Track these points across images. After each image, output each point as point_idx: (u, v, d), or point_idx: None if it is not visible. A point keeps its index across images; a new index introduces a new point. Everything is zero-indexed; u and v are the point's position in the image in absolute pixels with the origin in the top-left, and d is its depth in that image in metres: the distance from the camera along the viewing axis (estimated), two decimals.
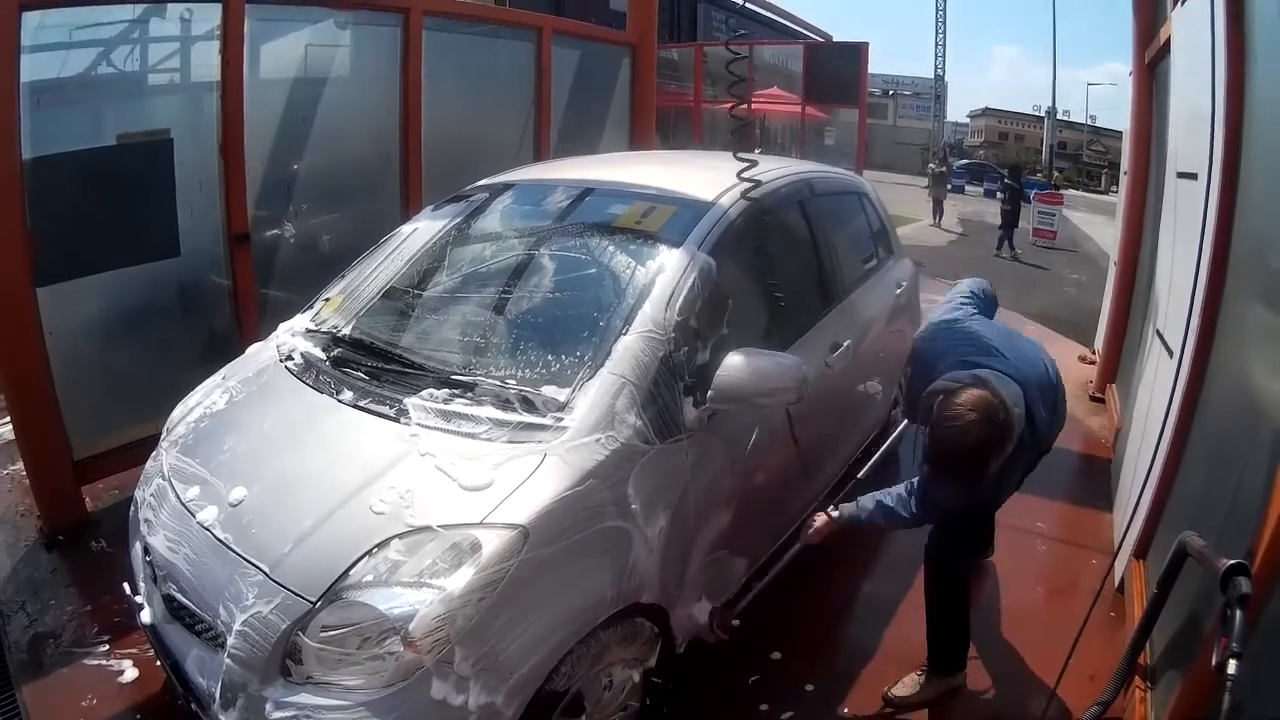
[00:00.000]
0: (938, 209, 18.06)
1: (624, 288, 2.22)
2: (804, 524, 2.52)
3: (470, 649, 1.59)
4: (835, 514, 2.44)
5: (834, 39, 24.05)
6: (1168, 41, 3.89)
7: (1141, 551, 2.90)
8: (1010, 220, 13.72)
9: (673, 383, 2.08)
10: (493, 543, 1.66)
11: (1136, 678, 2.36)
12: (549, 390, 1.97)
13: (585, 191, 2.71)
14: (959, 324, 2.47)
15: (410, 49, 4.22)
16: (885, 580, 3.16)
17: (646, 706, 2.18)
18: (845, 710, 2.49)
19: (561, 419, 1.91)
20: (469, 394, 1.99)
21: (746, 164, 2.56)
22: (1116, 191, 7.30)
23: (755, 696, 2.50)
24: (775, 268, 2.63)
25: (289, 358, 2.32)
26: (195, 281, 3.62)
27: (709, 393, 2.10)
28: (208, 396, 2.32)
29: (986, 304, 2.68)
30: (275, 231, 3.90)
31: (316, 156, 4.01)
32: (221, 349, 2.93)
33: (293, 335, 2.44)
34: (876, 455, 3.08)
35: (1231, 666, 1.44)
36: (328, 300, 2.60)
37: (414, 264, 2.65)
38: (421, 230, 2.81)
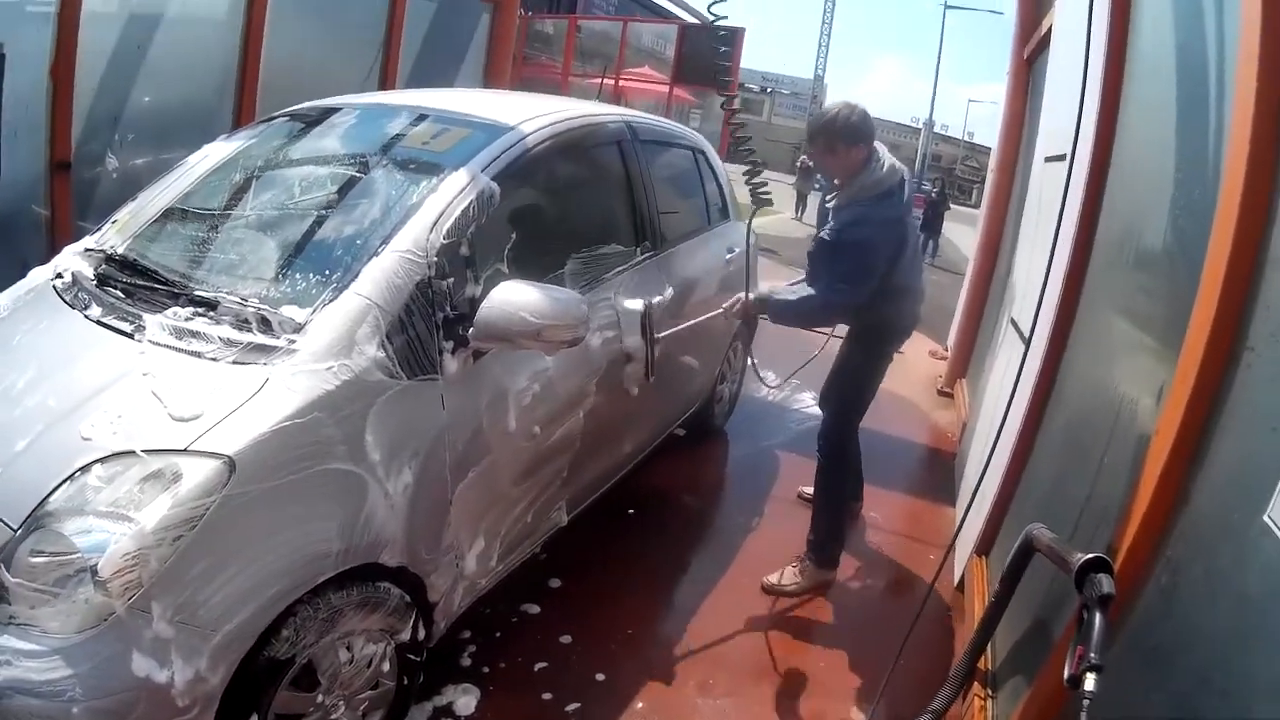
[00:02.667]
0: (801, 202, 18.58)
1: (391, 207, 2.01)
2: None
3: (168, 599, 1.42)
4: (752, 295, 2.68)
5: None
6: (1048, 33, 3.86)
7: (984, 548, 2.76)
8: (930, 226, 14.27)
9: (429, 313, 1.87)
10: (194, 474, 1.47)
11: (976, 684, 2.20)
12: (289, 310, 1.75)
13: (382, 114, 2.53)
14: None
15: None
16: (697, 571, 2.95)
17: (404, 686, 1.95)
18: (640, 705, 2.24)
19: (295, 341, 1.70)
20: (211, 312, 1.79)
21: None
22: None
23: (540, 684, 2.26)
24: (578, 206, 2.49)
25: (59, 275, 2.14)
26: (12, 208, 3.38)
27: (470, 329, 1.89)
28: None
29: None
30: (98, 165, 3.67)
31: (149, 88, 3.80)
32: None
33: (73, 255, 2.25)
34: None
35: (1089, 681, 1.22)
36: (115, 221, 2.40)
37: (198, 184, 2.43)
38: (213, 153, 2.58)
